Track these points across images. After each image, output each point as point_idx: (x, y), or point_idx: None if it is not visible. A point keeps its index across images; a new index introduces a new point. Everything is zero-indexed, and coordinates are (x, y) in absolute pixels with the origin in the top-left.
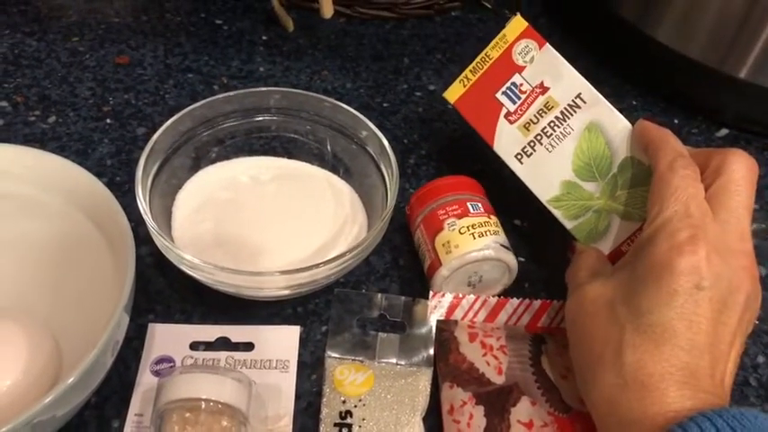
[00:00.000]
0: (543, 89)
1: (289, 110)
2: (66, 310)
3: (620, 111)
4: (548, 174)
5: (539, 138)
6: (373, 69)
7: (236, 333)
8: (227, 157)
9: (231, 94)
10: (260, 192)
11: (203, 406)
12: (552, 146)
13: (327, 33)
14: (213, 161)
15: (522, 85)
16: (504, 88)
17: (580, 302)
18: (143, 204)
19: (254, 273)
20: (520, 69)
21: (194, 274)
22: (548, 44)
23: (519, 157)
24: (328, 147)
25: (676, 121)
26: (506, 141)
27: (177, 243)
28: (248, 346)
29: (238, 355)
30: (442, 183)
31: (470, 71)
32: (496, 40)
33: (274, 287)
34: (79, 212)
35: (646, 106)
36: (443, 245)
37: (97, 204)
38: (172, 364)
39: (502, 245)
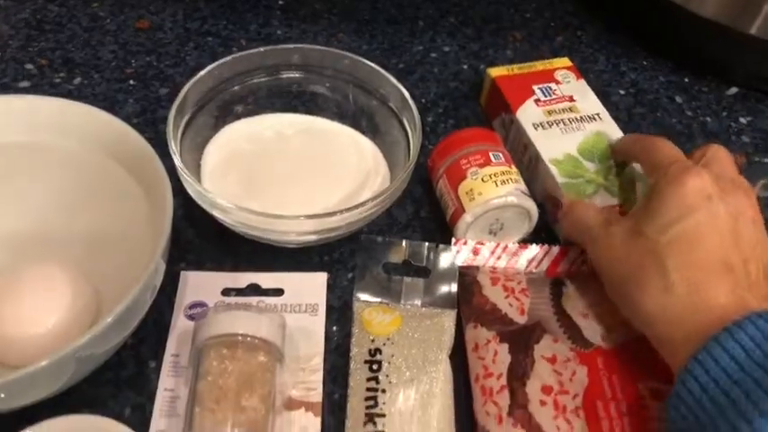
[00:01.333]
0: (571, 99)
1: (310, 66)
2: (105, 258)
3: (631, 71)
4: (556, 144)
5: (556, 122)
6: (388, 32)
7: (266, 280)
8: (251, 114)
9: (254, 51)
10: (285, 146)
11: (240, 341)
12: (565, 131)
13: None
14: (237, 118)
15: (555, 90)
16: (540, 85)
17: (608, 245)
18: (175, 153)
19: (282, 216)
20: (557, 83)
21: (226, 220)
22: (583, 79)
23: (535, 126)
24: (350, 102)
25: (687, 80)
26: (529, 113)
27: None
28: (278, 292)
29: (269, 300)
30: (464, 134)
31: (518, 67)
32: (545, 62)
33: (301, 231)
34: (115, 162)
35: (656, 66)
36: (467, 192)
37: (133, 154)
38: (204, 308)
39: (523, 192)
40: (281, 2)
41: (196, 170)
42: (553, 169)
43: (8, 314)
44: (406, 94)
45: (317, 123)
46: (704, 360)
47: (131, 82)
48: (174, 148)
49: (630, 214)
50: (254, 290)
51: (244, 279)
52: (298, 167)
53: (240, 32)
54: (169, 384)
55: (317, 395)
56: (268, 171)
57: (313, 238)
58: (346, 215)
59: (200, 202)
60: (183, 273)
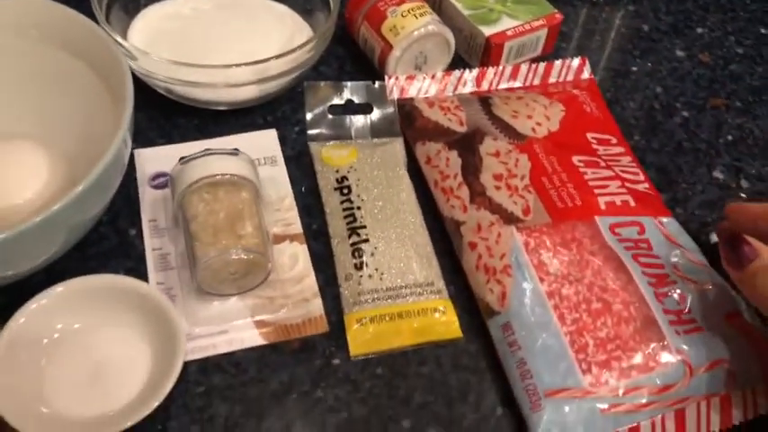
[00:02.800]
0: None
1: None
2: (70, 139)
3: None
4: None
5: None
6: None
7: (218, 144)
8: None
9: None
10: (206, 19)
11: (219, 180)
12: None
13: None
14: (149, 3)
15: None
16: None
17: None
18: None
19: (226, 65)
20: None
21: (167, 85)
22: None
23: None
24: None
25: None
26: None
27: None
28: (233, 153)
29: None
30: None
31: None
32: None
33: (243, 82)
34: (59, 48)
35: None
36: (390, 29)
37: (79, 36)
38: (167, 177)
39: (440, 22)
40: None
41: None
42: (458, 5)
43: None
44: None
45: None
46: None
47: None
48: (105, 23)
49: None
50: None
51: (197, 147)
52: (224, 38)
53: None
54: (155, 245)
55: (296, 228)
56: (195, 44)
57: (254, 90)
58: (284, 59)
59: (147, 72)
60: (136, 151)
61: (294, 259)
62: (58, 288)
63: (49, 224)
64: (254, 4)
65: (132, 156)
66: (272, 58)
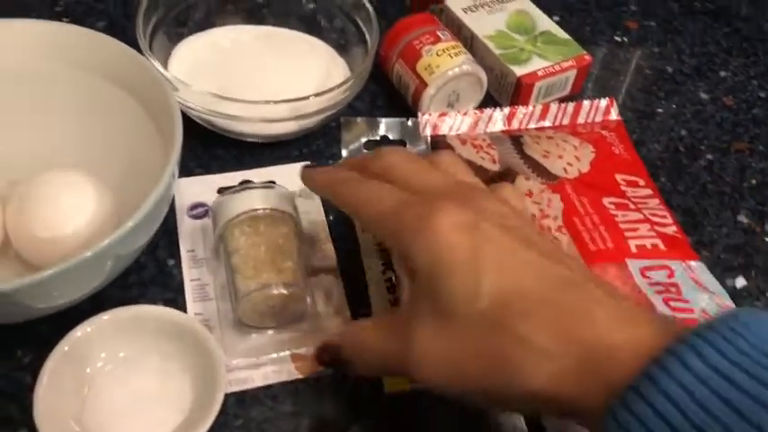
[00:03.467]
0: None
1: None
2: (117, 170)
3: None
4: (486, 23)
5: (482, 4)
6: None
7: (256, 175)
8: (202, 29)
9: None
10: (245, 51)
11: (261, 215)
12: (491, 12)
13: None
14: (191, 33)
15: None
16: None
17: (431, 359)
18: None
19: (265, 101)
20: None
21: (211, 119)
22: None
23: (465, 10)
24: (300, 7)
25: None
26: (457, 1)
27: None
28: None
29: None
30: (407, 21)
31: None
32: None
33: (281, 117)
34: (108, 81)
35: None
36: (425, 68)
37: (127, 71)
38: (206, 208)
39: (474, 61)
40: None
41: None
42: (489, 44)
43: (37, 216)
44: None
45: (270, 30)
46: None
47: (64, 19)
48: (153, 60)
49: (409, 302)
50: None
51: (235, 177)
52: (262, 70)
53: None
54: (194, 275)
55: (331, 261)
56: (234, 76)
57: (291, 125)
58: (321, 98)
59: (188, 103)
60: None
61: (329, 293)
62: (104, 317)
63: (98, 258)
64: (291, 38)
65: None
66: (310, 96)
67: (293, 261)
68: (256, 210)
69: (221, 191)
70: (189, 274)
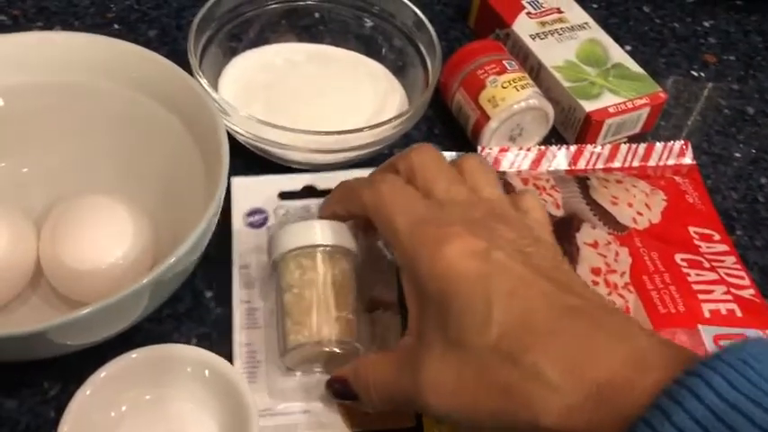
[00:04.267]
0: (559, 11)
1: None
2: (156, 194)
3: None
4: (554, 53)
5: (550, 32)
6: None
7: (321, 180)
8: (257, 45)
9: None
10: (298, 72)
11: (320, 251)
12: (560, 40)
13: None
14: (244, 49)
15: (543, 3)
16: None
17: (442, 391)
18: (206, 83)
19: (316, 132)
20: None
21: (257, 144)
22: None
23: (532, 37)
24: (358, 27)
25: None
26: (524, 26)
27: None
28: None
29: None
30: (472, 47)
31: None
32: None
33: (332, 149)
34: (154, 100)
35: None
36: (489, 100)
37: (174, 92)
38: (265, 215)
39: (541, 95)
40: None
41: None
42: (557, 75)
43: (71, 247)
44: (421, 14)
45: (325, 50)
46: None
47: (116, 26)
48: (200, 76)
49: (416, 330)
50: (310, 192)
51: (299, 180)
52: (315, 93)
53: None
54: (244, 296)
55: (392, 295)
56: (287, 99)
57: (341, 156)
58: (374, 131)
59: (244, 132)
60: (233, 179)
61: (386, 332)
62: (132, 355)
63: (136, 296)
64: (347, 59)
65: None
66: (364, 128)
67: (349, 304)
68: (316, 246)
69: (283, 196)
70: (239, 294)
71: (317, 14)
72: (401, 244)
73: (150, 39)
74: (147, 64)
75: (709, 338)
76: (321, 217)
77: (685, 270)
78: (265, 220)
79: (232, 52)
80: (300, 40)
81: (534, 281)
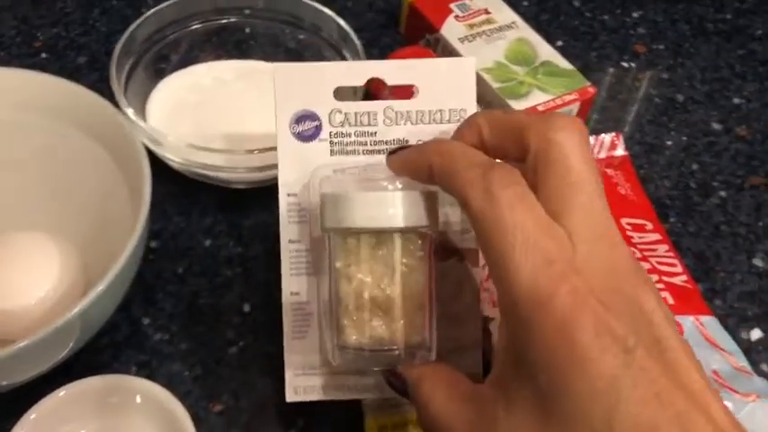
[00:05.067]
0: (486, 12)
1: (241, 8)
2: (83, 222)
3: None
4: (483, 55)
5: (478, 34)
6: None
7: (393, 71)
8: (185, 65)
9: (174, 2)
10: (228, 92)
11: (396, 236)
12: (489, 41)
13: None
14: (172, 70)
15: (470, 5)
16: (456, 2)
17: None
18: (128, 108)
19: (247, 151)
20: None
21: (190, 168)
22: None
23: (461, 40)
24: (285, 40)
25: None
26: (452, 30)
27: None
28: (407, 93)
29: (398, 106)
30: (399, 54)
31: None
32: None
33: (265, 165)
34: (77, 129)
35: None
36: None
37: (98, 122)
38: (317, 122)
39: None
40: None
41: None
42: (487, 77)
43: None
44: (346, 26)
45: (255, 65)
46: None
47: (43, 55)
48: (125, 105)
49: (501, 374)
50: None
51: (361, 71)
52: (246, 112)
53: None
54: (294, 287)
55: (471, 241)
56: (217, 119)
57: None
58: None
59: (171, 161)
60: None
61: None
62: (63, 392)
63: (66, 329)
64: None
65: None
66: None
67: (421, 304)
68: (390, 230)
69: (339, 94)
70: (288, 284)
71: (247, 30)
72: (514, 290)
73: (80, 66)
74: (70, 95)
75: None
76: (393, 166)
77: (629, 233)
78: (318, 129)
79: (160, 74)
80: (230, 56)
81: (671, 397)
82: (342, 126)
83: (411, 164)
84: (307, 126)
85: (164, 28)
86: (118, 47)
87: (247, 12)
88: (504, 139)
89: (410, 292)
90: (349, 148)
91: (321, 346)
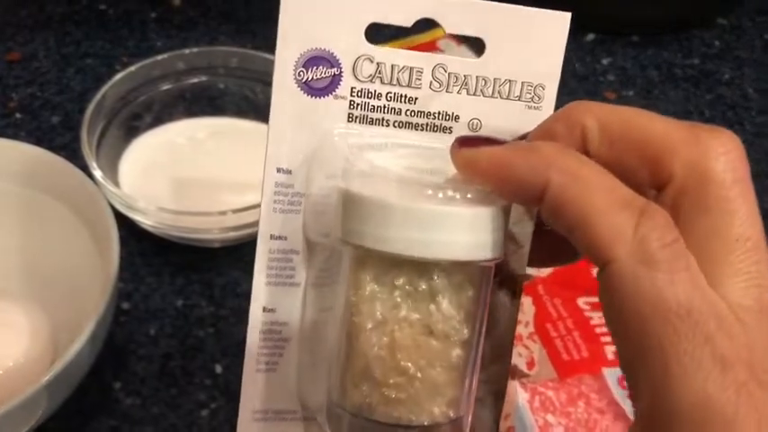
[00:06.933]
0: None
1: (212, 68)
2: (52, 288)
3: None
4: None
5: None
6: (268, 29)
7: (454, 14)
8: (157, 125)
9: (146, 62)
10: (200, 150)
11: (438, 271)
12: None
13: (215, 1)
14: (146, 129)
15: None
16: None
17: None
18: (97, 170)
19: (220, 212)
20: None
21: (165, 232)
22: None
23: None
24: (257, 97)
25: None
26: None
27: None
28: (474, 47)
29: (454, 65)
30: None
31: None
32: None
33: (239, 225)
34: (44, 194)
35: None
36: None
37: (68, 186)
38: (335, 69)
39: None
40: (153, 14)
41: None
42: None
43: None
44: None
45: (228, 123)
46: None
47: (18, 115)
48: (94, 168)
49: None
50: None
51: (410, 5)
52: (219, 170)
53: (119, 49)
54: (268, 301)
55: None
56: (190, 178)
57: (250, 232)
58: None
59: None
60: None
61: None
62: None
63: (28, 404)
64: (251, 131)
65: None
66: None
67: (459, 358)
68: (435, 263)
69: (371, 35)
70: (261, 295)
71: (221, 85)
72: (674, 399)
73: (54, 125)
74: (39, 161)
75: (613, 381)
76: (467, 166)
77: (587, 314)
78: (336, 80)
79: (134, 132)
80: (204, 114)
81: None
82: (371, 81)
83: (508, 172)
84: (320, 73)
85: (137, 87)
86: (89, 109)
87: (221, 70)
88: (626, 156)
89: (452, 355)
90: (375, 114)
91: (299, 386)
